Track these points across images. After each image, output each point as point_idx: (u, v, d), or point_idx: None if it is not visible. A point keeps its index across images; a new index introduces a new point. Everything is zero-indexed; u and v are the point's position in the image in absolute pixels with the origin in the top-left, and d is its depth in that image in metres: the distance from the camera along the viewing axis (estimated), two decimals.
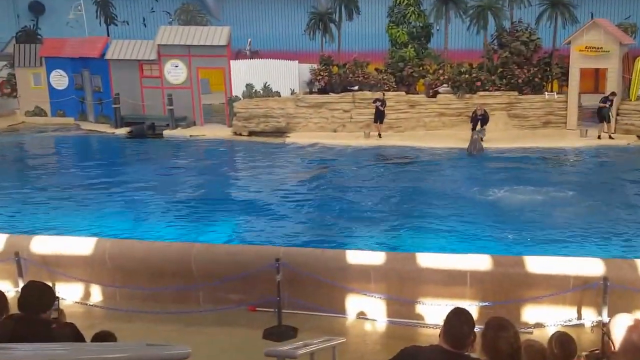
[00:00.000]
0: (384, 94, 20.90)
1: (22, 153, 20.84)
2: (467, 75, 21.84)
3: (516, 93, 21.54)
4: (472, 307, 6.73)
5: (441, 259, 7.35)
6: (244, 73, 23.32)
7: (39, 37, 30.04)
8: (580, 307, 6.78)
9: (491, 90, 21.61)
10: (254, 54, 27.88)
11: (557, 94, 21.75)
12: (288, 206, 13.03)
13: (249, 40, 29.17)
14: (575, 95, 21.02)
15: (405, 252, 8.61)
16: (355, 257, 7.56)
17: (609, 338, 2.79)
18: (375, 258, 7.52)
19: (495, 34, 22.80)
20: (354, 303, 7.38)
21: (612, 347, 2.76)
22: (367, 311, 7.31)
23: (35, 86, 25.91)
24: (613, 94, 19.67)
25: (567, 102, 21.18)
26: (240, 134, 21.80)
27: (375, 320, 7.24)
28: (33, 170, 17.21)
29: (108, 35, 28.29)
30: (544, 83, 22.15)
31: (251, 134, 21.73)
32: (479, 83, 21.63)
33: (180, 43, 23.23)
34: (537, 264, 6.96)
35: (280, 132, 21.66)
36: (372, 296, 7.23)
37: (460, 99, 21.65)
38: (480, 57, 22.90)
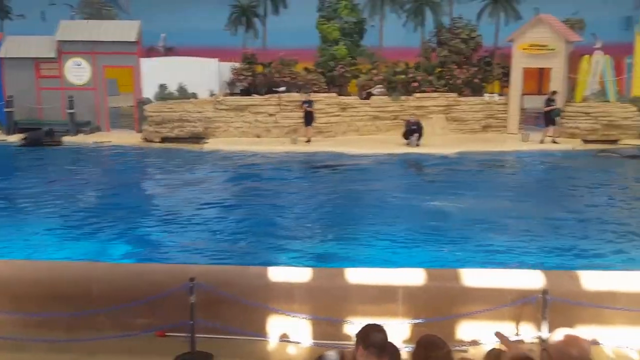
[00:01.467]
0: (309, 94, 20.99)
1: None
2: (403, 76, 22.28)
3: (455, 95, 22.14)
4: (404, 325, 6.81)
5: (371, 274, 7.38)
6: (157, 72, 22.86)
7: None
8: (519, 322, 6.94)
9: (429, 92, 22.13)
10: (169, 51, 27.41)
11: (498, 95, 22.45)
12: (205, 220, 12.81)
13: (163, 35, 28.67)
14: (517, 97, 21.76)
15: (332, 267, 8.62)
16: (279, 274, 7.48)
17: (548, 354, 2.87)
18: (300, 275, 7.47)
19: (433, 31, 23.38)
20: (276, 325, 7.28)
21: None
22: (290, 333, 7.24)
23: None
24: (554, 92, 20.47)
25: (508, 104, 21.92)
26: (152, 141, 21.32)
27: (299, 342, 7.19)
28: None
29: (1, 31, 27.13)
30: (485, 84, 22.87)
31: (164, 140, 21.29)
32: (415, 84, 22.10)
33: (84, 39, 22.67)
34: (473, 278, 7.09)
35: (197, 138, 21.33)
36: (296, 316, 7.17)
37: (395, 101, 22.03)
38: (418, 56, 23.43)
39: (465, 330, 6.96)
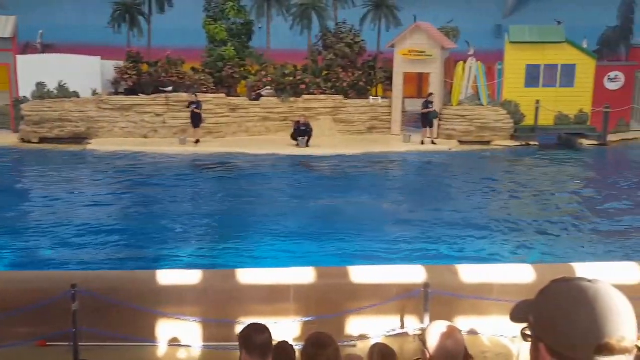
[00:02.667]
0: (196, 95, 20.53)
1: None
2: (291, 78, 22.35)
3: (341, 97, 22.54)
4: (296, 323, 6.79)
5: (262, 274, 7.30)
6: (34, 70, 21.42)
7: None
8: (404, 316, 7.15)
9: (316, 94, 22.37)
10: (47, 48, 25.84)
11: (381, 98, 23.10)
12: (88, 225, 12.16)
13: (40, 32, 26.98)
14: (399, 100, 22.51)
15: (223, 268, 8.46)
16: (168, 277, 7.24)
17: (425, 346, 2.90)
18: (190, 277, 7.26)
19: (319, 34, 23.63)
20: (166, 329, 7.04)
21: (428, 355, 2.87)
22: (181, 337, 7.01)
23: None
24: (431, 95, 21.37)
25: (391, 107, 22.63)
26: (30, 141, 20.01)
27: (190, 346, 6.97)
28: None
29: None
30: (369, 87, 23.46)
31: (43, 140, 20.03)
32: (303, 86, 22.25)
33: None
34: (360, 274, 7.19)
35: (79, 139, 20.24)
36: (187, 320, 6.95)
37: (284, 102, 22.08)
38: (305, 58, 23.61)
39: (354, 325, 7.05)
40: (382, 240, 11.07)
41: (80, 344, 6.57)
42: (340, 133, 22.34)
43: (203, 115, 20.39)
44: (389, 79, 22.79)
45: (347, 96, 22.65)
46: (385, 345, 3.93)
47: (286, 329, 6.47)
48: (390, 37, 23.06)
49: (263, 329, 3.63)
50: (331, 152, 19.73)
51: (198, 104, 20.10)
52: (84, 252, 10.65)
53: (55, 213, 12.94)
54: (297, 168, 18.13)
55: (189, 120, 20.33)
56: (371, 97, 22.94)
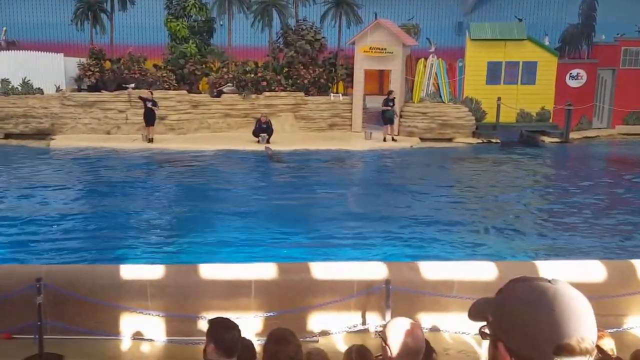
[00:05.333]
0: (151, 93, 20.11)
1: None
2: (252, 75, 22.17)
3: (302, 94, 22.40)
4: (257, 319, 6.74)
5: (223, 269, 7.21)
6: None
7: None
8: (365, 312, 7.13)
9: (277, 91, 22.21)
10: (11, 45, 25.02)
11: (342, 95, 22.96)
12: (50, 219, 11.82)
13: (4, 29, 26.12)
14: (360, 97, 22.35)
15: (184, 264, 8.34)
16: (130, 272, 7.11)
17: (385, 343, 2.88)
18: (153, 272, 7.13)
19: (280, 32, 23.46)
20: (129, 323, 6.94)
21: (390, 352, 2.84)
22: (144, 331, 6.92)
23: None
24: (391, 92, 21.23)
25: (352, 104, 22.50)
26: None
27: (153, 340, 6.88)
28: None
29: None
30: (330, 84, 23.34)
31: (7, 136, 19.55)
32: (264, 83, 22.08)
33: None
34: (321, 270, 7.15)
35: (43, 135, 19.75)
36: (149, 314, 6.85)
37: (245, 99, 21.88)
38: (266, 55, 23.43)
39: (315, 321, 7.01)
40: (342, 237, 11.06)
41: (45, 336, 6.50)
42: (302, 130, 22.23)
43: (157, 113, 19.94)
44: (350, 76, 22.68)
45: (308, 93, 22.53)
46: (364, 346, 3.90)
47: (247, 324, 6.41)
48: (351, 35, 22.95)
49: (233, 326, 3.58)
50: (292, 148, 19.54)
51: (153, 102, 19.69)
52: (47, 246, 10.37)
53: (18, 208, 12.57)
54: (258, 164, 17.99)
55: (143, 118, 19.80)
56: (332, 94, 22.84)
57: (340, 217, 12.34)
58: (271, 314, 6.74)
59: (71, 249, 10.26)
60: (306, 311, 6.97)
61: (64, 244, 10.57)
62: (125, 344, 6.86)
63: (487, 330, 1.55)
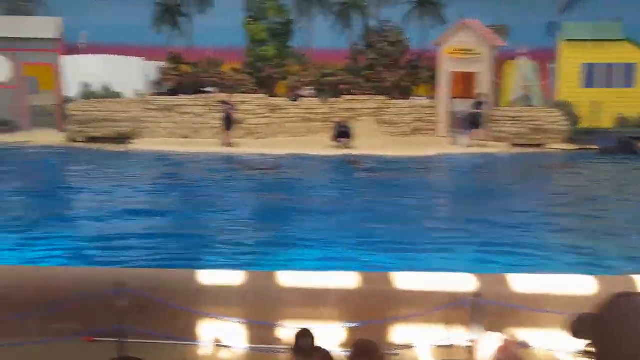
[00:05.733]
0: (230, 97, 20.65)
1: None
2: (332, 78, 22.32)
3: (384, 97, 22.34)
4: (338, 329, 6.78)
5: (303, 277, 7.29)
6: (79, 70, 22.06)
7: None
8: (451, 326, 7.02)
9: (357, 94, 22.26)
10: (91, 49, 26.46)
11: (426, 98, 22.75)
12: (132, 223, 12.38)
13: (84, 33, 27.66)
14: (445, 100, 22.05)
15: (264, 270, 8.51)
16: (209, 277, 7.32)
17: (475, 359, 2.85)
18: (231, 278, 7.32)
19: (361, 33, 23.52)
20: (208, 329, 7.14)
21: None
22: (222, 337, 7.11)
23: None
24: (481, 95, 20.81)
25: (436, 107, 22.20)
26: (76, 140, 20.61)
27: (232, 347, 7.05)
28: None
29: None
30: (413, 87, 23.15)
31: (89, 140, 20.59)
32: (344, 86, 22.18)
33: (3, 35, 21.69)
34: (405, 281, 7.09)
35: (124, 138, 20.71)
36: (227, 320, 7.03)
37: (325, 103, 22.05)
38: (346, 58, 23.54)
39: (397, 333, 6.98)
40: (427, 245, 10.93)
41: (125, 340, 6.73)
42: (383, 135, 22.16)
43: (236, 118, 20.48)
44: (434, 78, 22.43)
45: (390, 96, 22.44)
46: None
47: (328, 334, 6.48)
48: (435, 36, 22.68)
49: (307, 333, 3.67)
50: (373, 153, 19.55)
51: (231, 107, 20.26)
52: (128, 250, 10.82)
53: (100, 211, 13.20)
54: (338, 170, 18.11)
55: (222, 123, 20.43)
56: (415, 97, 22.65)
57: (425, 224, 12.22)
58: (351, 324, 6.76)
59: (152, 253, 10.66)
60: (387, 323, 6.93)
61: (145, 248, 10.99)
62: (204, 350, 7.04)
63: (591, 349, 1.51)
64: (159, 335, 6.91)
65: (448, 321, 6.95)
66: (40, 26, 21.99)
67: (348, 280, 7.15)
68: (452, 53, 21.59)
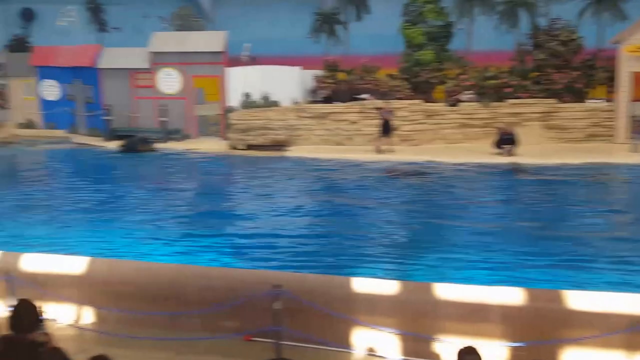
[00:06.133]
0: (388, 103, 20.64)
1: (10, 168, 21.37)
2: (494, 81, 21.61)
3: (554, 101, 21.20)
4: (500, 348, 6.43)
5: (462, 290, 7.03)
6: (241, 81, 23.39)
7: (30, 45, 30.85)
8: (634, 353, 6.42)
9: (523, 98, 21.31)
10: (253, 60, 27.95)
11: (603, 101, 21.21)
12: (290, 227, 12.81)
13: (247, 45, 29.29)
14: (626, 103, 20.48)
15: (420, 281, 8.31)
16: (365, 285, 7.35)
17: None
18: (387, 287, 7.28)
19: (528, 33, 22.58)
20: (362, 337, 7.19)
21: None
22: (376, 347, 7.07)
23: (26, 97, 27.09)
24: None
25: (615, 111, 20.64)
26: (237, 148, 21.81)
27: (385, 357, 6.99)
28: (22, 186, 17.49)
29: (100, 43, 28.79)
30: (587, 89, 21.71)
31: (248, 147, 21.71)
32: (508, 89, 21.37)
33: (174, 50, 23.55)
34: (579, 300, 6.58)
35: (280, 146, 21.57)
36: (382, 330, 6.98)
37: (486, 107, 21.38)
38: (511, 59, 22.67)
39: (568, 356, 6.49)
40: (603, 262, 10.09)
41: (281, 342, 7.00)
42: (551, 141, 20.98)
43: (394, 124, 20.44)
44: (612, 79, 20.86)
45: (560, 100, 21.19)
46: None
47: (491, 352, 6.16)
48: (614, 33, 21.07)
49: (473, 351, 3.49)
50: (541, 161, 18.53)
51: (390, 112, 20.23)
52: (285, 253, 11.19)
53: (257, 216, 13.79)
54: (503, 178, 17.39)
55: (379, 129, 20.49)
56: (590, 100, 21.19)
57: (600, 239, 11.32)
58: (517, 344, 6.37)
59: (307, 258, 10.93)
60: (557, 345, 6.46)
61: (301, 252, 11.31)
62: (357, 357, 7.07)
63: None
64: (313, 339, 7.04)
65: (630, 347, 6.31)
66: (208, 41, 23.61)
67: (513, 296, 6.77)
68: (633, 51, 19.94)
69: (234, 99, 23.25)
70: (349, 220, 13.27)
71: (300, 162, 19.95)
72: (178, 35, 24.74)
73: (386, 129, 20.29)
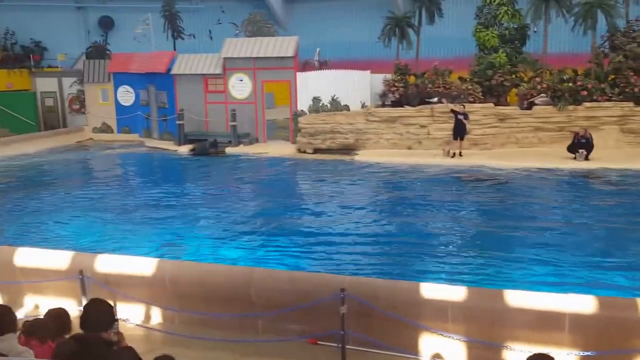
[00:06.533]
0: (464, 106, 20.40)
1: (86, 170, 22.27)
2: (570, 84, 21.03)
3: (632, 104, 20.44)
4: (571, 357, 6.29)
5: (533, 297, 6.90)
6: (311, 85, 23.58)
7: (108, 52, 32.24)
8: None
9: (600, 101, 20.64)
10: (323, 65, 28.15)
11: None
12: (357, 231, 12.87)
13: (318, 50, 29.50)
14: None
15: (489, 287, 8.20)
16: (432, 291, 7.27)
17: None
18: (455, 293, 7.18)
19: (606, 35, 21.87)
20: (428, 343, 7.10)
21: None
22: (444, 354, 7.00)
23: (102, 102, 28.19)
24: None
25: None
26: (305, 152, 21.99)
27: None
28: (96, 188, 18.18)
29: (175, 49, 29.67)
30: None
31: (316, 151, 21.86)
32: (584, 92, 20.74)
33: (246, 55, 23.96)
34: None
35: (348, 150, 21.63)
36: (450, 337, 6.90)
37: (561, 111, 20.83)
38: (587, 62, 21.99)
39: None
40: None
41: (347, 347, 7.00)
42: (630, 145, 20.23)
43: (468, 127, 20.18)
44: None
45: (638, 103, 20.42)
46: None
47: None
48: None
49: (543, 359, 3.44)
50: (619, 166, 17.91)
51: (465, 115, 19.97)
52: (351, 257, 11.24)
53: (324, 219, 13.90)
54: (574, 184, 16.88)
55: (452, 132, 20.27)
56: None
57: None
58: (589, 353, 6.22)
59: (372, 261, 10.96)
60: (631, 355, 6.26)
61: (368, 255, 11.35)
62: None
63: None
64: (378, 344, 7.03)
65: None
66: (279, 46, 23.89)
67: (584, 304, 6.60)
68: None
69: (303, 103, 23.47)
70: (420, 225, 13.20)
71: (368, 165, 19.96)
72: (250, 41, 25.18)
73: (459, 132, 20.05)
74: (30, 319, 5.31)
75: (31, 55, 32.23)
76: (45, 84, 30.16)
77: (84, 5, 36.93)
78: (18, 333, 4.73)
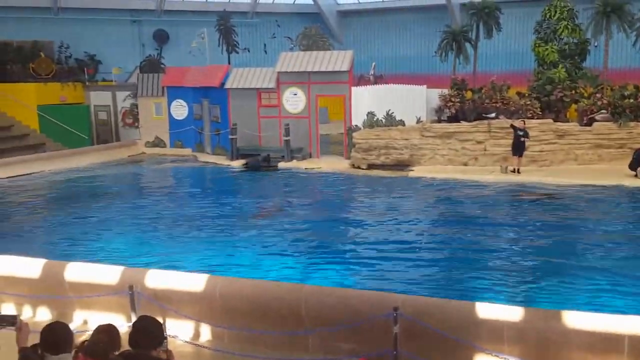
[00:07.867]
0: (524, 122, 20.14)
1: (138, 184, 22.49)
2: (631, 100, 20.56)
3: None
4: None
5: (592, 319, 6.80)
6: (366, 100, 23.61)
7: (162, 66, 32.65)
8: None
9: None
10: (378, 79, 28.27)
11: None
12: (411, 248, 12.84)
13: (373, 64, 29.65)
14: None
15: (547, 308, 8.10)
16: (486, 311, 7.20)
17: None
18: (511, 314, 7.12)
19: None
20: None
21: None
22: None
23: (156, 116, 28.36)
24: None
25: None
26: (359, 167, 21.98)
27: None
28: (148, 202, 18.40)
29: (229, 63, 29.96)
30: None
31: (370, 166, 21.82)
32: None
33: (300, 69, 23.99)
34: None
35: (402, 165, 21.55)
36: (505, 358, 6.85)
37: (622, 127, 20.37)
38: None
39: None
40: None
41: None
42: None
43: (527, 144, 19.92)
44: None
45: None
46: None
47: None
48: None
49: None
50: None
51: (525, 132, 19.72)
52: (404, 274, 11.22)
53: (377, 236, 13.90)
54: (636, 203, 16.44)
55: (511, 148, 20.04)
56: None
57: None
58: None
59: (426, 279, 10.92)
60: None
61: (420, 273, 11.31)
62: None
63: None
64: None
65: None
66: (334, 60, 23.96)
67: None
68: None
69: (358, 118, 23.53)
70: (468, 244, 13.09)
71: (423, 182, 19.85)
72: (304, 55, 25.32)
73: (518, 149, 19.83)
74: (83, 335, 5.33)
75: (85, 69, 32.89)
76: (98, 98, 30.57)
77: (139, 19, 37.46)
78: (74, 352, 4.64)
